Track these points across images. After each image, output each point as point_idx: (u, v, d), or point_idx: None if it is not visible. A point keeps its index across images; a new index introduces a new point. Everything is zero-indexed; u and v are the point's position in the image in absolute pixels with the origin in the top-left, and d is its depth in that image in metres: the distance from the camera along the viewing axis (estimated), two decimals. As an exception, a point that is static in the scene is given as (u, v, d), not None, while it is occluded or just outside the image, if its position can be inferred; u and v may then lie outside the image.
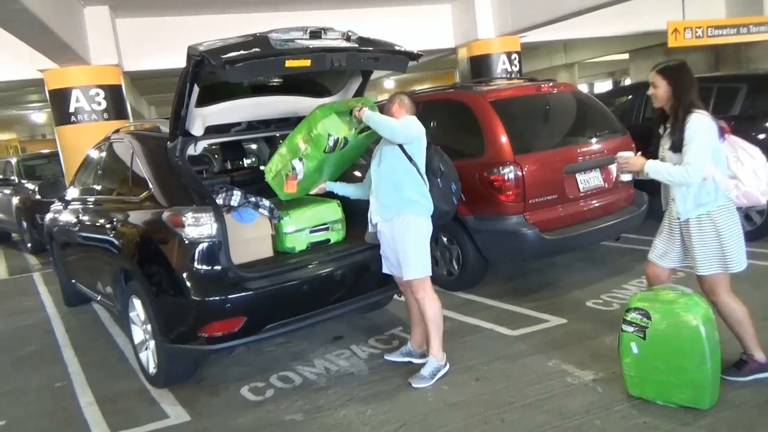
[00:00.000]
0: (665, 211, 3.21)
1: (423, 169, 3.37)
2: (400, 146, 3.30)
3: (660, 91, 3.01)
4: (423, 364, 3.45)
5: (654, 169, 2.95)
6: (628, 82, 18.05)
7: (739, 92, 5.69)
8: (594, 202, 4.87)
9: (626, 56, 17.98)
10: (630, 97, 7.11)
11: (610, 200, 4.97)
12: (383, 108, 3.53)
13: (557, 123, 5.24)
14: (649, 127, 6.23)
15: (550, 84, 5.14)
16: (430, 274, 3.44)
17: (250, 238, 3.70)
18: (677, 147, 2.89)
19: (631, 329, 2.90)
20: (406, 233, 3.33)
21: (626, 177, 3.20)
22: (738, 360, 3.06)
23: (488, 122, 4.60)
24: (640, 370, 2.93)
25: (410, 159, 3.31)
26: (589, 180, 4.80)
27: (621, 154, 3.12)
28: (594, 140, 4.98)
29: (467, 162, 4.61)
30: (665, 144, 3.02)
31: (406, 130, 3.27)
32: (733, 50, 12.92)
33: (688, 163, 2.81)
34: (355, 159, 3.93)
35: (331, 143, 3.37)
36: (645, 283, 4.65)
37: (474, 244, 4.76)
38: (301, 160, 3.54)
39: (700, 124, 2.84)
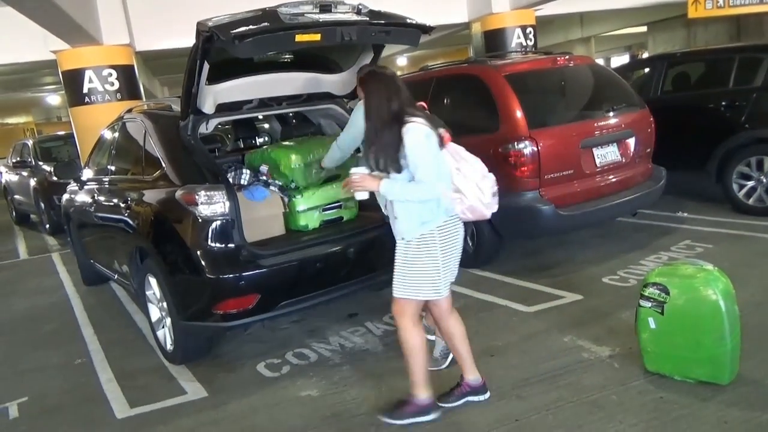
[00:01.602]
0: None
1: None
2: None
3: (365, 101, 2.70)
4: (437, 340, 3.44)
5: (390, 190, 2.60)
6: (645, 56, 17.69)
7: (762, 63, 5.53)
8: (611, 177, 4.79)
9: (644, 29, 17.60)
10: (648, 70, 6.96)
11: (627, 175, 4.89)
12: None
13: (573, 97, 5.14)
14: (667, 101, 6.15)
15: (567, 57, 5.03)
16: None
17: (263, 216, 3.70)
18: (397, 165, 2.56)
19: (648, 304, 2.86)
20: None
21: (361, 195, 2.82)
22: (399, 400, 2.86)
23: (503, 97, 4.52)
24: (658, 345, 2.90)
25: None
26: (606, 155, 4.72)
27: (354, 170, 2.74)
28: (611, 114, 4.88)
29: (481, 137, 4.54)
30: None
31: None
32: (755, 20, 12.58)
33: (421, 181, 2.53)
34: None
35: (292, 186, 3.77)
36: (662, 259, 4.62)
37: (488, 220, 4.70)
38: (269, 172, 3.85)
39: (417, 134, 2.53)
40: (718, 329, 2.71)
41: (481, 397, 2.91)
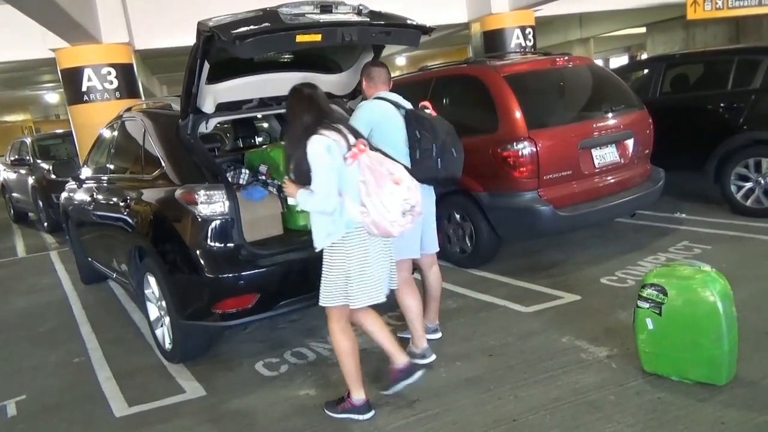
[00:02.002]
0: None
1: (398, 149, 3.11)
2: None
3: None
4: (436, 340, 3.44)
5: (300, 198, 2.70)
6: (644, 57, 17.72)
7: (761, 64, 5.54)
8: (609, 178, 4.80)
9: (643, 30, 17.62)
10: (647, 71, 6.98)
11: (626, 176, 4.90)
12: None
13: (572, 98, 5.15)
14: (666, 102, 6.17)
15: (566, 58, 5.05)
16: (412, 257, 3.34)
17: (261, 216, 3.70)
18: (307, 177, 2.64)
19: (646, 305, 2.87)
20: None
21: (292, 201, 2.96)
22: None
23: (502, 97, 4.53)
24: (655, 346, 2.91)
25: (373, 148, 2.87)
26: (604, 155, 4.73)
27: (287, 177, 2.87)
28: (610, 115, 4.90)
29: (481, 138, 4.56)
30: None
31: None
32: (754, 22, 12.60)
33: (313, 192, 2.62)
34: None
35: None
36: (660, 260, 4.63)
37: (487, 221, 4.73)
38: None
39: (316, 146, 2.60)
40: (715, 330, 2.72)
41: (414, 379, 3.00)
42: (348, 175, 2.65)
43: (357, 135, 2.78)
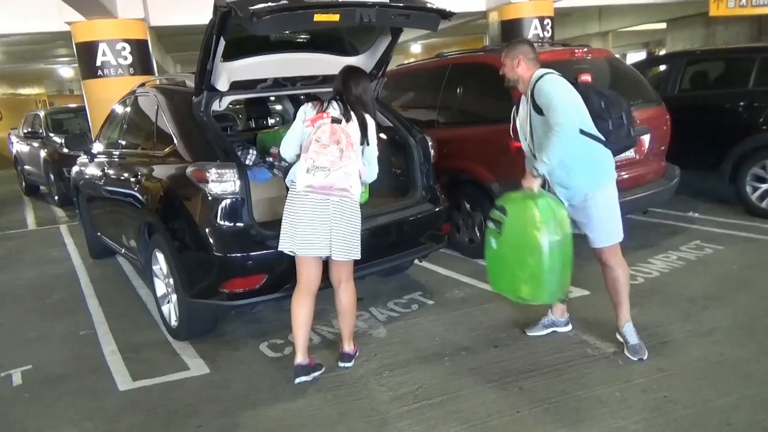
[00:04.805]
0: None
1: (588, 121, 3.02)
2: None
3: None
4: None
5: None
6: (662, 53, 17.49)
7: (783, 64, 5.44)
8: (623, 173, 4.70)
9: (663, 26, 17.35)
10: (666, 66, 6.87)
11: (640, 172, 4.83)
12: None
13: (590, 90, 5.07)
14: (684, 99, 6.07)
15: (584, 50, 4.97)
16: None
17: (271, 197, 3.69)
18: None
19: (492, 226, 3.04)
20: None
21: None
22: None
23: (518, 87, 4.45)
24: (496, 265, 3.10)
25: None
26: (619, 150, 4.66)
27: None
28: (627, 109, 4.81)
29: (494, 128, 4.50)
30: None
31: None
32: (777, 21, 12.39)
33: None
34: None
35: None
36: (671, 258, 4.58)
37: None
38: None
39: (299, 110, 3.08)
40: (536, 249, 2.86)
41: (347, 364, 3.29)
42: (305, 137, 2.97)
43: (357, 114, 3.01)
